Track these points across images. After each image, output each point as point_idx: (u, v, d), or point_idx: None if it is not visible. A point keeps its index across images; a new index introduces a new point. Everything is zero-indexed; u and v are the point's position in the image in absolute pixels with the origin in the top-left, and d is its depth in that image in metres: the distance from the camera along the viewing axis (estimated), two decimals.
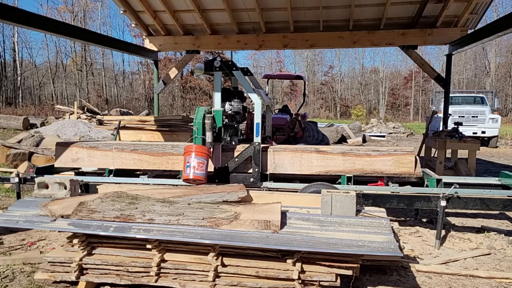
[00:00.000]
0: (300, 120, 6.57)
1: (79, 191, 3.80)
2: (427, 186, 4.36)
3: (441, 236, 4.18)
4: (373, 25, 7.84)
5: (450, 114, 9.40)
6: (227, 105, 4.65)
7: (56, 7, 37.97)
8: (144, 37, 9.09)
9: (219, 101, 4.45)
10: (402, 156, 4.23)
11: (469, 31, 7.49)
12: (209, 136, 4.15)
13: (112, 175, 4.69)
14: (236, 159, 4.39)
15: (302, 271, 2.71)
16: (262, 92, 5.16)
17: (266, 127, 5.53)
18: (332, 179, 4.43)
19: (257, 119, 4.36)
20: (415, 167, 4.24)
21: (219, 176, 4.40)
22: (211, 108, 4.37)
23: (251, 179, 4.35)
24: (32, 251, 3.80)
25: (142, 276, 2.90)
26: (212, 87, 38.89)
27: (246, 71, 4.78)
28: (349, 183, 4.30)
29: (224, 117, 4.41)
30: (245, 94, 4.98)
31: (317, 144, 5.92)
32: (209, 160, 4.10)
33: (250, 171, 4.40)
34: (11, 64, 35.46)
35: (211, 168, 4.31)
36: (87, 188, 4.51)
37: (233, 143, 4.75)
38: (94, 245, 3.01)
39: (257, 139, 4.34)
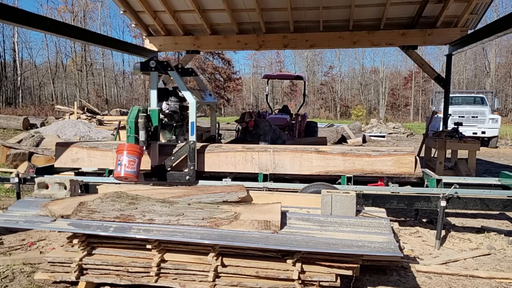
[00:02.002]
0: (252, 112, 6.72)
1: (79, 191, 3.80)
2: (427, 186, 4.36)
3: (441, 236, 4.18)
4: (373, 25, 7.84)
5: (450, 114, 9.40)
6: (164, 105, 4.71)
7: (56, 7, 38.03)
8: (144, 37, 9.09)
9: (155, 101, 4.52)
10: (402, 156, 4.23)
11: (469, 31, 7.48)
12: (142, 135, 4.24)
13: (112, 175, 4.69)
14: (172, 158, 4.48)
15: (302, 271, 2.71)
16: (207, 92, 5.29)
17: (212, 127, 5.66)
18: (332, 179, 4.43)
19: (192, 118, 4.44)
20: (415, 167, 4.24)
21: (156, 174, 4.48)
22: (147, 107, 4.46)
23: (187, 177, 4.43)
24: (32, 251, 3.80)
25: (142, 276, 2.90)
26: (211, 87, 38.95)
27: (191, 72, 4.91)
28: (349, 183, 4.30)
29: (162, 116, 4.52)
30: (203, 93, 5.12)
31: (272, 143, 6.00)
32: (141, 158, 4.19)
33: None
34: (11, 64, 35.48)
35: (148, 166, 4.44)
36: (87, 188, 4.51)
37: (179, 142, 4.85)
38: (94, 245, 3.01)
39: (192, 137, 4.43)
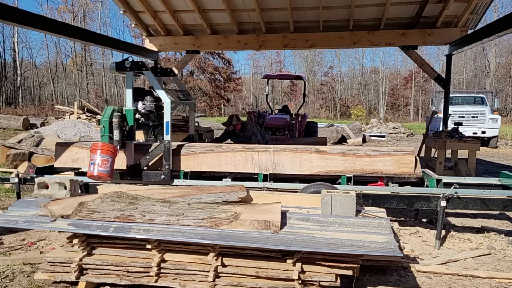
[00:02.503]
0: (238, 115, 6.82)
1: (79, 191, 3.80)
2: (427, 186, 4.36)
3: (441, 236, 4.18)
4: (373, 25, 7.84)
5: (450, 114, 9.40)
6: (140, 104, 4.72)
7: (56, 7, 38.02)
8: (144, 37, 9.09)
9: (131, 100, 4.54)
10: (402, 156, 4.23)
11: (469, 31, 7.49)
12: (116, 135, 4.27)
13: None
14: (148, 157, 4.53)
15: (302, 271, 2.71)
16: (185, 93, 5.34)
17: (190, 126, 5.69)
18: (332, 179, 4.43)
19: (167, 118, 4.48)
20: (415, 167, 4.24)
21: (131, 173, 4.52)
22: (122, 107, 4.50)
23: (162, 176, 4.46)
24: (32, 251, 3.80)
25: (142, 276, 2.90)
26: (211, 87, 38.97)
27: (169, 72, 5.01)
28: (349, 183, 4.30)
29: (138, 116, 4.55)
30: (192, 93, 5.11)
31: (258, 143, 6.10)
32: (115, 157, 4.23)
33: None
34: (11, 64, 35.48)
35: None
36: (87, 188, 4.51)
37: (158, 141, 4.89)
38: (94, 245, 3.01)
39: (167, 137, 4.46)
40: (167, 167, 4.45)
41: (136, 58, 8.64)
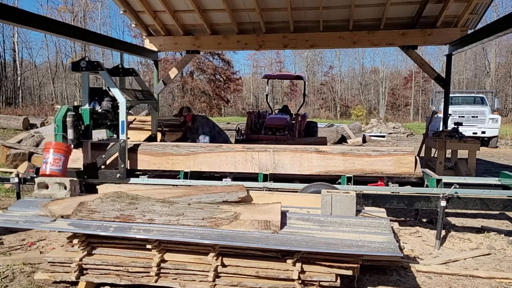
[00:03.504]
0: (189, 107, 6.82)
1: (79, 191, 3.80)
2: (427, 186, 4.36)
3: (441, 236, 4.18)
4: (373, 25, 7.84)
5: (450, 114, 9.39)
6: (97, 104, 4.76)
7: (56, 7, 37.93)
8: (144, 37, 9.09)
9: (87, 100, 4.58)
10: (402, 156, 4.23)
11: (469, 31, 7.48)
12: (70, 134, 4.32)
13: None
14: (104, 156, 4.60)
15: (302, 271, 2.71)
16: (146, 93, 5.39)
17: (152, 126, 5.76)
18: (332, 179, 4.43)
19: (122, 117, 4.54)
20: (415, 167, 4.24)
21: (88, 172, 4.57)
22: (78, 106, 4.55)
23: (118, 175, 4.53)
24: (32, 251, 3.80)
25: (142, 276, 2.90)
26: (211, 87, 38.95)
27: (131, 72, 5.15)
28: (349, 183, 4.30)
29: (95, 115, 4.60)
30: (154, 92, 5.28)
31: (212, 138, 6.16)
32: (69, 156, 4.27)
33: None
34: (11, 64, 35.44)
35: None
36: (87, 188, 4.51)
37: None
38: (94, 245, 3.01)
39: (122, 136, 4.53)
40: (122, 165, 4.52)
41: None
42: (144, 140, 5.46)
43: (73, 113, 4.36)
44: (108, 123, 4.86)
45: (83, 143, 4.57)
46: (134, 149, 4.72)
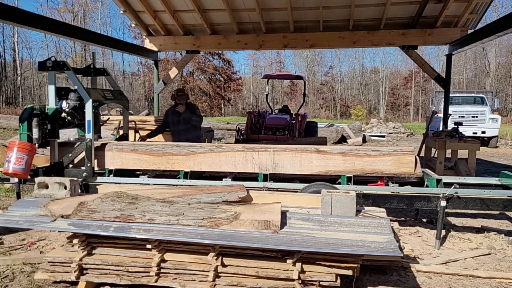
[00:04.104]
0: (187, 94, 6.53)
1: (79, 191, 3.80)
2: (427, 186, 4.36)
3: (441, 236, 4.18)
4: (373, 25, 7.84)
5: (450, 114, 9.39)
6: (64, 103, 4.75)
7: (56, 7, 37.93)
8: (144, 37, 9.09)
9: (53, 99, 4.58)
10: (402, 156, 4.23)
11: (469, 31, 7.48)
12: (35, 133, 4.33)
13: (112, 175, 4.69)
14: (70, 155, 4.64)
15: (302, 271, 2.71)
16: (116, 92, 5.42)
17: (124, 125, 5.73)
18: (332, 179, 4.43)
19: (88, 116, 4.55)
20: (415, 167, 4.24)
21: (55, 171, 4.58)
22: (44, 105, 4.55)
23: (84, 174, 4.53)
24: (32, 251, 3.81)
25: (142, 276, 2.90)
26: (212, 87, 38.96)
27: (102, 71, 5.23)
28: (349, 183, 4.30)
29: (62, 114, 4.63)
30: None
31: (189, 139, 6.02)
32: (33, 155, 4.28)
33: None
34: (11, 64, 35.44)
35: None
36: (87, 188, 4.51)
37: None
38: (94, 245, 3.01)
39: (88, 135, 4.55)
40: (88, 164, 4.53)
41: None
42: (116, 139, 5.46)
43: (38, 112, 4.37)
44: (77, 122, 4.87)
45: (50, 142, 4.61)
46: (101, 148, 4.74)
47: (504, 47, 36.80)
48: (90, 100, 4.55)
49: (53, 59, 4.55)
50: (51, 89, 4.58)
